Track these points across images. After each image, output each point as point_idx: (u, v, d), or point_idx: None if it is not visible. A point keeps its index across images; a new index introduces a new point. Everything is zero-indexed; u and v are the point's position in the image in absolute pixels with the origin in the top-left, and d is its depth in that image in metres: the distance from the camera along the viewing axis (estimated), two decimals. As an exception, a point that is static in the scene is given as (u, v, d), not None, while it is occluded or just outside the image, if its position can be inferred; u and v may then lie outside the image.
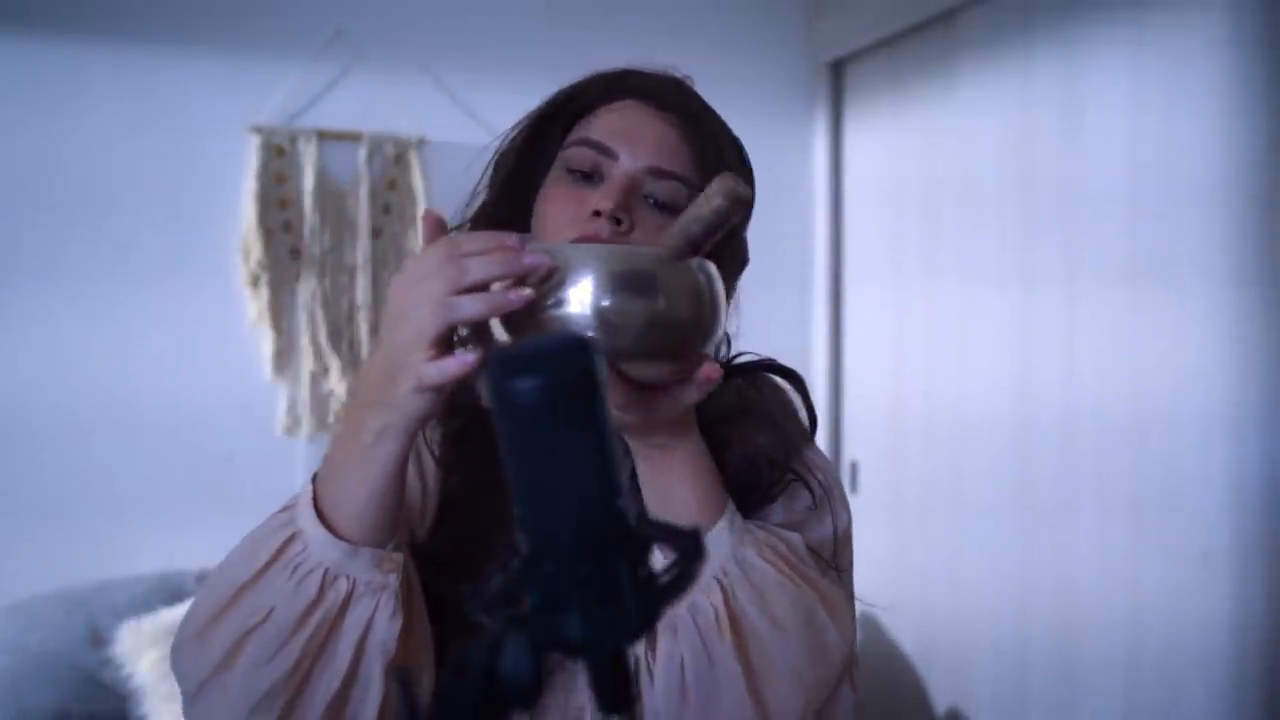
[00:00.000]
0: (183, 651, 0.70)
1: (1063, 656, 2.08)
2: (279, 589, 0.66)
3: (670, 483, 0.72)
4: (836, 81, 2.90)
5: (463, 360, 0.61)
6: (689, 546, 0.39)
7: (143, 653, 1.95)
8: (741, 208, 0.63)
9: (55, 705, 1.90)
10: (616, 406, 0.66)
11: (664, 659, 0.70)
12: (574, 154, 0.78)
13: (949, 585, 2.35)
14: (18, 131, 2.19)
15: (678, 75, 0.85)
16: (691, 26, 2.72)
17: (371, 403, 0.64)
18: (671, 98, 0.81)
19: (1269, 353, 1.71)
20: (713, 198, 0.63)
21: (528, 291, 0.61)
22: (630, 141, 0.77)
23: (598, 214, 0.74)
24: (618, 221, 0.74)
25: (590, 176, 0.77)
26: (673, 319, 0.65)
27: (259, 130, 2.34)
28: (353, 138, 2.43)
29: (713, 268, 0.68)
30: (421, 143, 2.47)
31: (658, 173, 0.77)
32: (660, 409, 0.67)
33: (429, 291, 0.60)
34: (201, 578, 2.17)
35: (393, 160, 2.46)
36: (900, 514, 2.53)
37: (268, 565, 0.67)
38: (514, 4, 2.61)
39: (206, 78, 2.33)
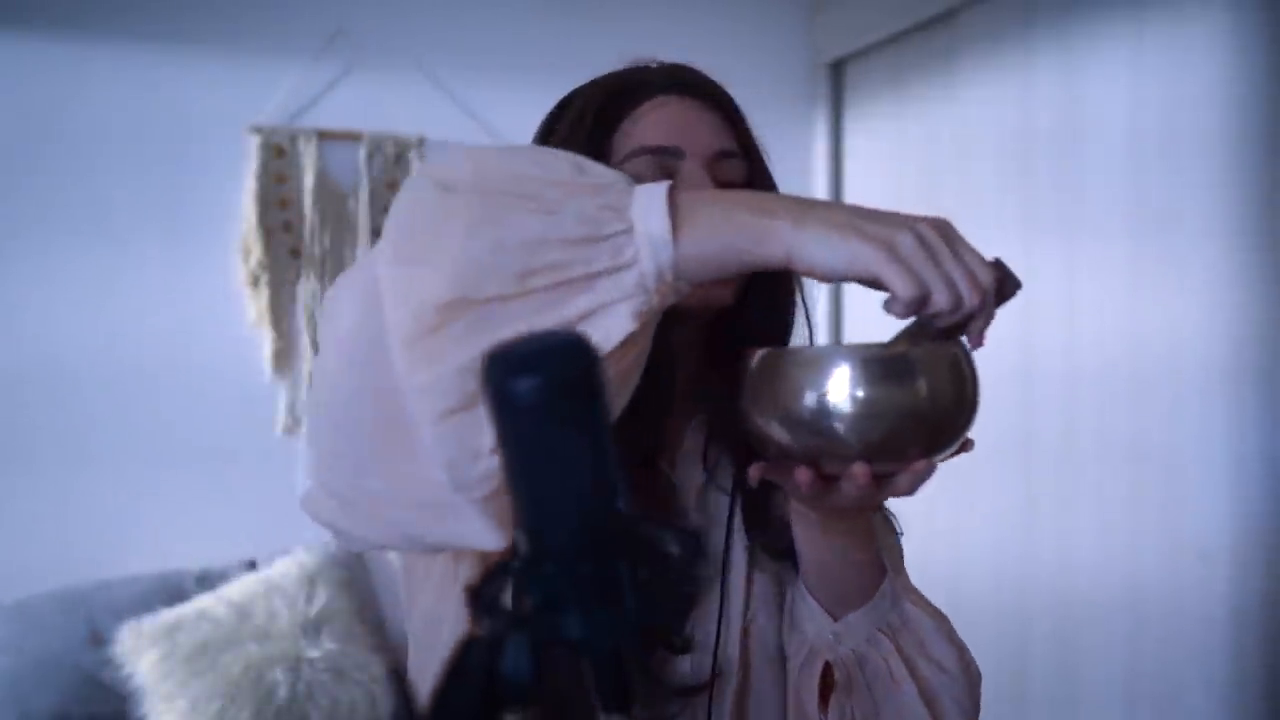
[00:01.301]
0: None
1: (1062, 653, 2.08)
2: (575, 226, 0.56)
3: (849, 544, 0.75)
4: (836, 81, 2.90)
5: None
6: (689, 546, 0.39)
7: (143, 653, 1.95)
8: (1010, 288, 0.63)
9: (55, 705, 1.90)
10: (849, 501, 0.66)
11: (834, 713, 0.75)
12: (639, 165, 0.76)
13: (948, 585, 2.35)
14: (17, 131, 2.19)
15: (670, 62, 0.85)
16: (691, 26, 2.72)
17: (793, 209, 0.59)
18: (692, 83, 0.81)
19: (1269, 352, 1.71)
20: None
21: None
22: (689, 135, 0.77)
23: None
24: None
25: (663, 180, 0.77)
26: (936, 408, 0.63)
27: (259, 130, 2.34)
28: (353, 138, 2.43)
29: (967, 349, 0.66)
30: (421, 143, 2.47)
31: (722, 155, 0.78)
32: (879, 499, 0.67)
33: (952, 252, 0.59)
34: (202, 578, 2.18)
35: (393, 160, 2.46)
36: (898, 511, 2.53)
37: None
38: (513, 4, 2.61)
39: (206, 78, 2.33)
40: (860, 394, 0.61)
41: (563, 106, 0.83)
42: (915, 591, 0.82)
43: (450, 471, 0.53)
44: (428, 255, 0.55)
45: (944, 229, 0.61)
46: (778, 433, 0.65)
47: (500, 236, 0.54)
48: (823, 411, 0.62)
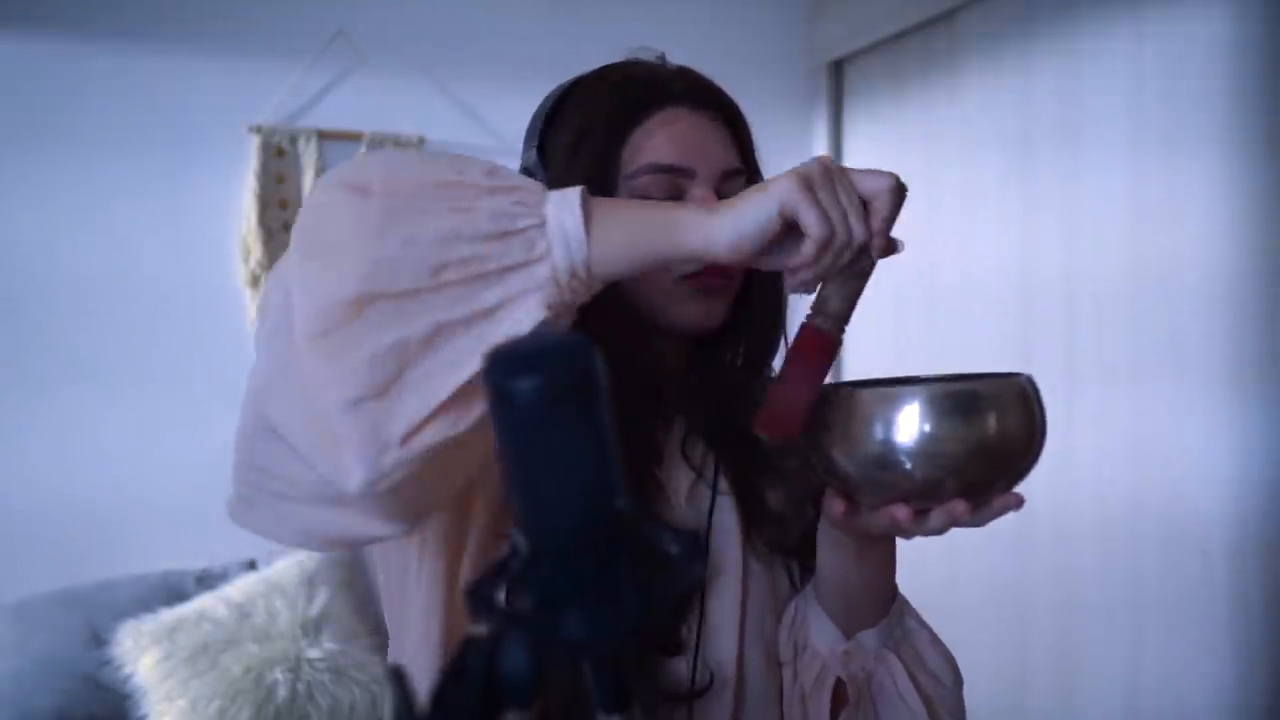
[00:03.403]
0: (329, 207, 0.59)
1: (1063, 656, 2.08)
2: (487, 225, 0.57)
3: (877, 568, 0.77)
4: (836, 81, 2.90)
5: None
6: (689, 546, 0.39)
7: (143, 653, 1.95)
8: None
9: (55, 706, 1.90)
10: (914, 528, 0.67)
11: None
12: (649, 183, 0.76)
13: (947, 584, 2.35)
14: (16, 132, 2.19)
15: (665, 59, 0.85)
16: (691, 26, 2.72)
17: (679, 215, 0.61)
18: (703, 94, 0.80)
19: (1269, 354, 1.71)
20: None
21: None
22: (699, 154, 0.77)
23: None
24: None
25: (669, 200, 0.76)
26: (1004, 444, 0.64)
27: (259, 130, 2.34)
28: (353, 138, 2.43)
29: (1033, 379, 0.68)
30: (421, 143, 2.47)
31: (729, 174, 0.78)
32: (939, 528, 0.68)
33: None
34: (202, 578, 2.17)
35: (393, 160, 2.46)
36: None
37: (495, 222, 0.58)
38: (514, 5, 2.61)
39: (206, 78, 2.33)
40: (929, 429, 0.62)
41: (561, 101, 0.81)
42: (905, 601, 0.83)
43: (358, 463, 0.53)
44: (338, 253, 0.55)
45: (826, 162, 0.63)
46: (853, 469, 0.66)
47: (412, 233, 0.55)
48: (895, 449, 0.63)
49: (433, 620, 0.74)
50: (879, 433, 0.63)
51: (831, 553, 0.77)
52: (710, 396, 0.84)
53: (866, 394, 0.65)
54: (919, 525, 0.66)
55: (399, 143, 2.45)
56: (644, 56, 0.84)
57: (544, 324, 0.56)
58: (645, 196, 0.76)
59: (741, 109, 0.83)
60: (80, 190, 2.22)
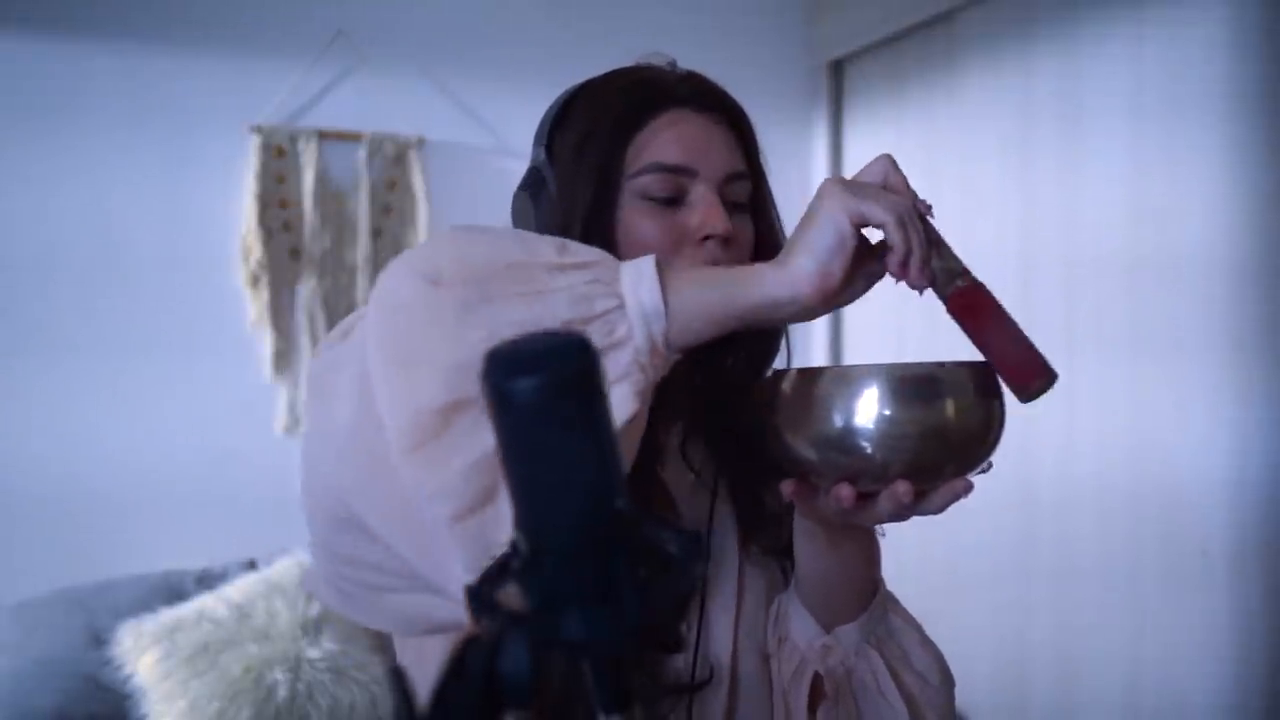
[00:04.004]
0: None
1: (1063, 656, 2.08)
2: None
3: (851, 560, 0.77)
4: (836, 81, 2.90)
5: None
6: (689, 546, 0.39)
7: (143, 653, 1.95)
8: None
9: (55, 706, 1.90)
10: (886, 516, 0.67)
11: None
12: (651, 181, 0.76)
13: (947, 584, 2.35)
14: (17, 132, 2.19)
15: (676, 65, 0.85)
16: (691, 26, 2.72)
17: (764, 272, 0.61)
18: (709, 97, 0.81)
19: (1269, 352, 1.71)
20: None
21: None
22: (703, 155, 0.77)
23: (705, 238, 0.75)
24: (725, 240, 0.75)
25: (671, 200, 0.77)
26: (960, 430, 0.64)
27: (259, 130, 2.34)
28: (353, 138, 2.43)
29: (995, 378, 0.67)
30: (421, 143, 2.47)
31: (732, 176, 0.78)
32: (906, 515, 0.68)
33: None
34: (202, 578, 2.17)
35: (393, 160, 2.46)
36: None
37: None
38: (514, 5, 2.61)
39: (206, 78, 2.33)
40: (888, 413, 0.62)
41: (568, 105, 0.81)
42: (893, 598, 0.83)
43: (472, 571, 0.52)
44: (420, 356, 0.54)
45: (835, 177, 0.64)
46: (810, 452, 0.65)
47: (492, 329, 0.53)
48: (853, 431, 0.63)
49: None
50: (839, 416, 0.63)
51: (806, 544, 0.78)
52: (711, 399, 0.84)
53: (826, 377, 0.65)
54: (866, 511, 0.66)
55: (399, 143, 2.45)
56: (655, 62, 0.84)
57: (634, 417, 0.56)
58: (647, 195, 0.76)
59: (747, 113, 0.83)
60: (80, 190, 2.22)
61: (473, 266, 0.56)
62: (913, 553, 2.46)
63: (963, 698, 0.83)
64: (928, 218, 0.64)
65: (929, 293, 0.66)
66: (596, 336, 0.55)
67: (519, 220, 0.82)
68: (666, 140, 0.77)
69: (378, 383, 0.55)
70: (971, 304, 0.64)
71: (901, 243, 0.61)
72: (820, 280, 0.59)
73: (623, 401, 0.55)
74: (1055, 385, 0.64)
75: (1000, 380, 0.66)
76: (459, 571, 0.53)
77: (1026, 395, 0.63)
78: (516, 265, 0.56)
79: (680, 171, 0.76)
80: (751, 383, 0.86)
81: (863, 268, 0.62)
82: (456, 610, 0.56)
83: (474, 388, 0.51)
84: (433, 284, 0.56)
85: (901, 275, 0.63)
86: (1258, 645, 1.72)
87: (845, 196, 0.60)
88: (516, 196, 0.83)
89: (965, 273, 0.65)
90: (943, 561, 2.37)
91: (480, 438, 0.52)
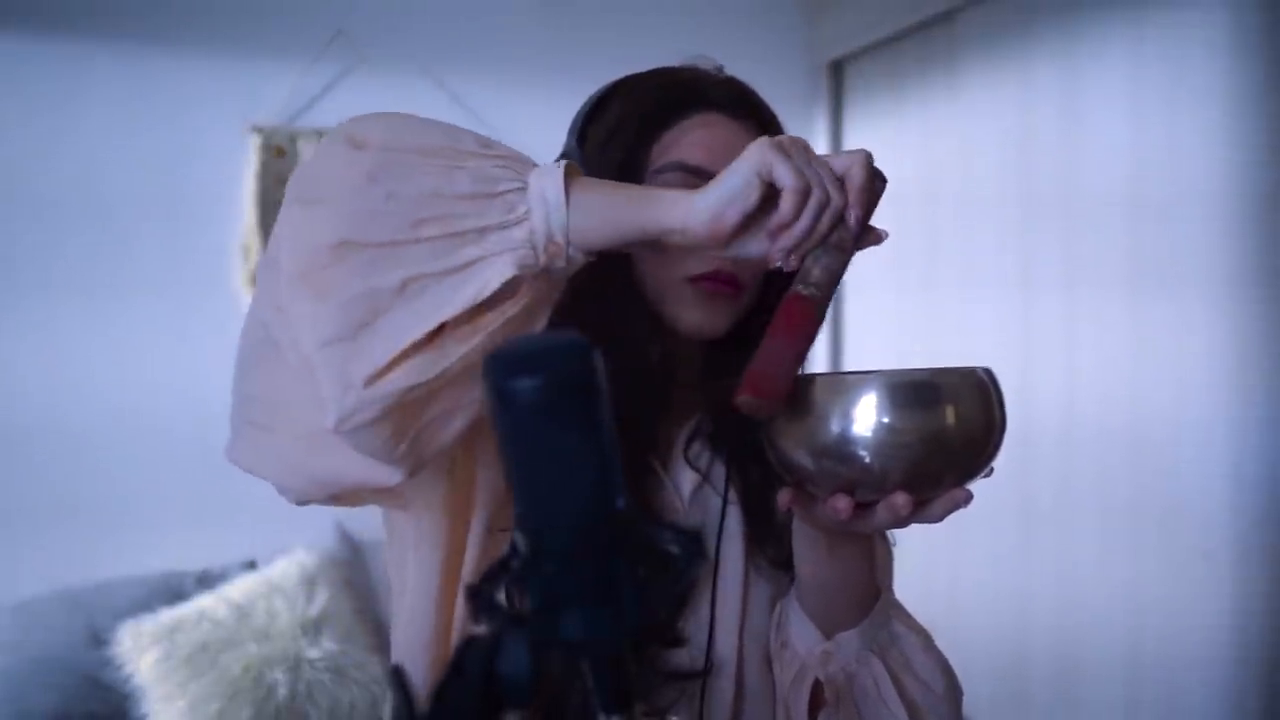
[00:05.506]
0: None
1: (1063, 656, 2.08)
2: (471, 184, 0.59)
3: (851, 566, 0.76)
4: (836, 81, 2.90)
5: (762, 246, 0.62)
6: (689, 546, 0.39)
7: (143, 653, 1.95)
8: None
9: (55, 706, 1.90)
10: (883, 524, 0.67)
11: None
12: (671, 180, 0.76)
13: (948, 584, 2.35)
14: (17, 131, 2.19)
15: (723, 70, 0.85)
16: (691, 27, 2.72)
17: (654, 198, 0.62)
18: (744, 105, 0.81)
19: (1270, 353, 1.71)
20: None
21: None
22: (727, 160, 0.76)
23: None
24: None
25: None
26: (961, 437, 0.63)
27: (259, 130, 2.34)
28: (353, 138, 2.42)
29: (992, 372, 0.66)
30: (421, 143, 2.47)
31: None
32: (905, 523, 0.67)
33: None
34: (202, 578, 2.17)
35: (393, 160, 2.46)
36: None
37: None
38: (514, 5, 2.61)
39: (206, 78, 2.33)
40: (887, 420, 0.61)
41: (606, 98, 0.82)
42: (899, 606, 0.83)
43: (330, 401, 0.56)
44: (325, 198, 0.58)
45: (796, 138, 0.64)
46: (807, 461, 0.64)
47: (397, 188, 0.57)
48: (850, 439, 0.62)
49: (425, 611, 0.74)
50: (836, 423, 0.62)
51: (806, 550, 0.77)
52: (717, 402, 0.84)
53: (822, 383, 0.64)
54: (864, 520, 0.66)
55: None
56: (700, 65, 0.84)
57: (513, 282, 0.58)
58: None
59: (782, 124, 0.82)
60: (79, 190, 2.22)
61: (397, 139, 0.60)
62: (914, 553, 2.46)
63: (964, 698, 0.83)
64: (848, 224, 0.63)
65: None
66: (495, 212, 0.58)
67: None
68: (693, 141, 0.77)
69: (282, 220, 0.60)
70: (797, 312, 0.63)
71: (788, 212, 0.60)
72: (711, 220, 0.60)
73: (503, 267, 0.58)
74: (767, 414, 0.64)
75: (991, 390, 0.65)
76: (328, 405, 0.56)
77: (743, 392, 0.62)
78: (437, 145, 0.60)
79: (701, 174, 0.76)
80: None
81: (762, 223, 0.62)
82: (336, 458, 0.60)
83: (367, 233, 0.56)
84: (355, 147, 0.59)
85: (772, 241, 0.62)
86: (1257, 644, 1.72)
87: (765, 150, 0.60)
88: None
89: (822, 294, 0.64)
90: (945, 554, 2.37)
91: (365, 277, 0.56)
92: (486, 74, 2.53)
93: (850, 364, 2.83)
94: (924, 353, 2.50)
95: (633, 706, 0.39)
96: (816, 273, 0.63)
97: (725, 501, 0.83)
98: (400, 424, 0.58)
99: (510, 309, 0.59)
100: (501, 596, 0.38)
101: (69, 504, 2.19)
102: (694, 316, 0.78)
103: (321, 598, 2.12)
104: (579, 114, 0.83)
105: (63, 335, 2.21)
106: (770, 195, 0.61)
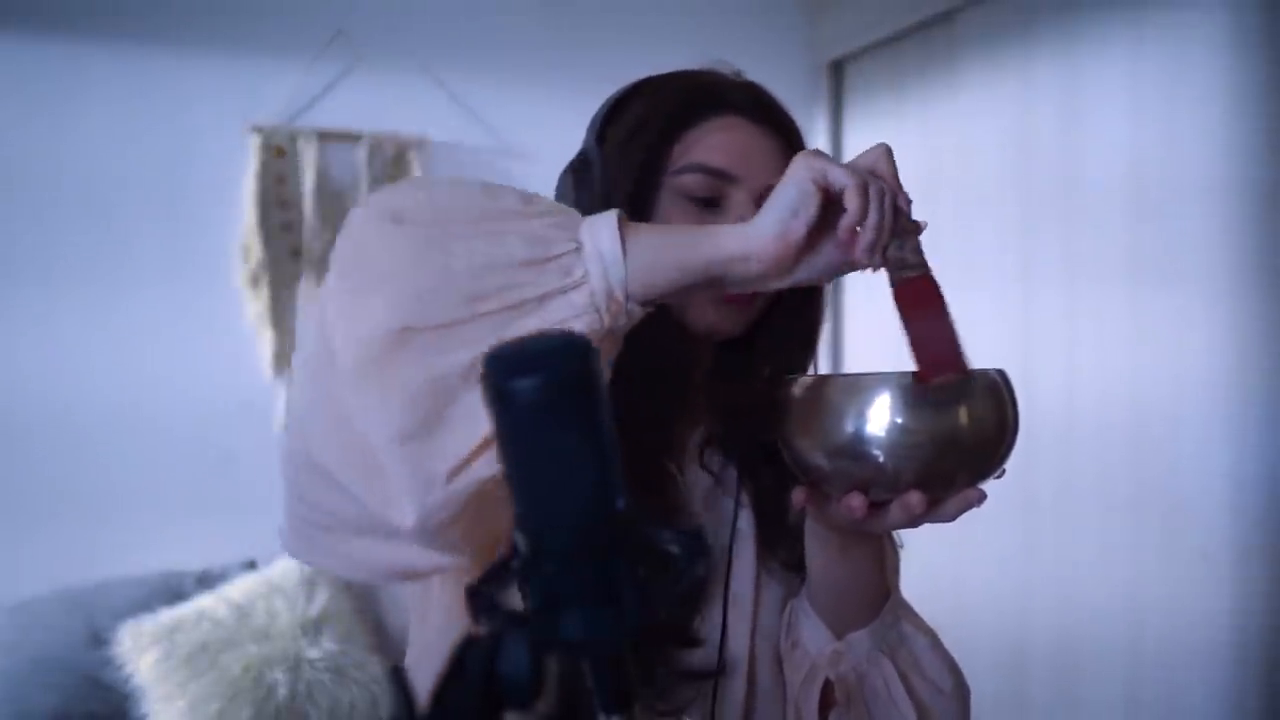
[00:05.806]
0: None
1: (1063, 656, 2.08)
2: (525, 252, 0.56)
3: (863, 567, 0.76)
4: (836, 81, 2.90)
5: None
6: (689, 546, 0.39)
7: (143, 653, 1.95)
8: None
9: (55, 705, 1.90)
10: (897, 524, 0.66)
11: None
12: (692, 181, 0.76)
13: (949, 584, 2.35)
14: (17, 131, 2.19)
15: (745, 77, 0.85)
16: (691, 26, 2.72)
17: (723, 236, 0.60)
18: (765, 109, 0.81)
19: (1269, 353, 1.71)
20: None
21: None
22: (748, 164, 0.77)
23: None
24: None
25: (709, 202, 0.77)
26: (974, 437, 0.63)
27: (259, 130, 2.34)
28: (353, 138, 2.43)
29: (1005, 374, 0.66)
30: (422, 143, 2.47)
31: (772, 188, 0.78)
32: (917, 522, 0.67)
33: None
34: (202, 578, 2.17)
35: (393, 160, 2.46)
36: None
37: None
38: (514, 4, 2.61)
39: (206, 78, 2.33)
40: (901, 421, 0.61)
41: (626, 98, 0.82)
42: (907, 606, 0.83)
43: (406, 499, 0.52)
44: (375, 284, 0.54)
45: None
46: (821, 460, 0.65)
47: (447, 263, 0.54)
48: (865, 439, 0.62)
49: (444, 653, 0.74)
50: (850, 423, 0.63)
51: (817, 550, 0.77)
52: (732, 405, 0.84)
53: (837, 384, 0.65)
54: (877, 519, 0.66)
55: (399, 143, 2.45)
56: (720, 69, 0.84)
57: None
58: (686, 194, 0.76)
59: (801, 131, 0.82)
60: (80, 190, 2.22)
61: (436, 208, 0.57)
62: (915, 554, 2.46)
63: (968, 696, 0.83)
64: (904, 209, 0.62)
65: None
66: (553, 277, 0.55)
67: (560, 200, 0.82)
68: (714, 143, 0.77)
69: (333, 315, 0.55)
70: (916, 292, 0.63)
71: (856, 208, 0.59)
72: (778, 238, 0.58)
73: None
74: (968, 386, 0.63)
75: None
76: (405, 504, 0.53)
77: (926, 376, 0.62)
78: (478, 209, 0.57)
79: (722, 176, 0.76)
80: (774, 394, 0.86)
81: (828, 236, 0.61)
82: (405, 552, 0.56)
83: (424, 316, 0.53)
84: (395, 223, 0.56)
85: (849, 244, 0.61)
86: (1257, 643, 1.72)
87: (812, 160, 0.60)
88: (562, 178, 0.83)
89: (921, 265, 0.63)
90: (946, 555, 2.37)
91: (429, 364, 0.53)
92: (486, 74, 2.53)
93: (851, 363, 2.84)
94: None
95: (633, 706, 0.39)
96: (908, 255, 0.63)
97: (737, 504, 0.84)
98: (476, 514, 0.55)
99: None
100: (515, 597, 0.38)
101: (69, 503, 2.19)
102: (708, 317, 0.78)
103: (321, 598, 2.12)
104: (598, 114, 0.82)
105: (63, 336, 2.21)
106: (825, 207, 0.60)
